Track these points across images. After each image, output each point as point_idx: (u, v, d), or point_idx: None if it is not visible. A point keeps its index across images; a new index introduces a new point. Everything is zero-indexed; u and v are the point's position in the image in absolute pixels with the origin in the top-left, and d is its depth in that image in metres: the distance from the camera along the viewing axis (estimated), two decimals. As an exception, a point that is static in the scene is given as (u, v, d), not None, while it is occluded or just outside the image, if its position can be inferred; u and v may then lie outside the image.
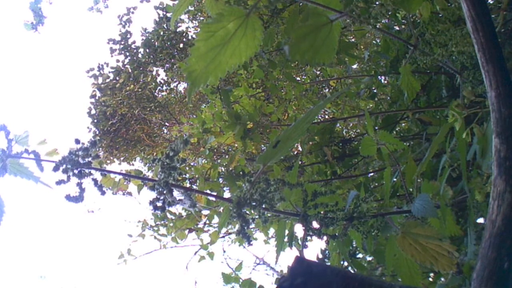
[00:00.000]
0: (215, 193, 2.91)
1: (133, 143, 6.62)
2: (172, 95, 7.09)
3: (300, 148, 3.57)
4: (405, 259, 1.28)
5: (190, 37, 6.49)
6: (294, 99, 3.91)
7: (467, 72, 1.62)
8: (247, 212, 1.09)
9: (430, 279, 2.20)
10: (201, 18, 5.80)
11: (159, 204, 1.10)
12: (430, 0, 1.69)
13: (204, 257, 3.93)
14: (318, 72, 4.97)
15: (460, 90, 1.69)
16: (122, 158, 6.70)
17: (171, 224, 3.62)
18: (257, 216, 1.11)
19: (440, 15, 1.71)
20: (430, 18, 1.62)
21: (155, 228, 3.83)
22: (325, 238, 1.18)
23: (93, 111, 6.55)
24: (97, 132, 6.43)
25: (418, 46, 1.57)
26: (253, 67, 3.28)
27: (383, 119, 2.88)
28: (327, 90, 4.96)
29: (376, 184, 2.78)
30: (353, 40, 4.20)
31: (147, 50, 6.56)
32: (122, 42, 6.69)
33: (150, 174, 4.47)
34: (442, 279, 1.96)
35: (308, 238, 1.25)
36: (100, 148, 6.30)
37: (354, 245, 2.33)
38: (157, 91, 6.96)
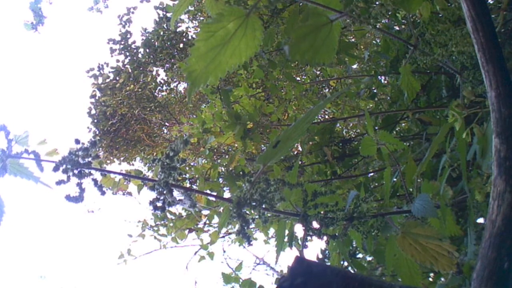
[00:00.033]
0: (215, 193, 2.91)
1: (133, 143, 6.62)
2: (172, 95, 7.09)
3: (300, 148, 3.57)
4: (405, 259, 1.28)
5: (190, 37, 6.49)
6: (294, 99, 3.91)
7: (467, 72, 1.62)
8: (247, 212, 1.09)
9: (430, 279, 2.20)
10: (201, 18, 5.81)
11: (159, 204, 1.10)
12: (430, 0, 1.69)
13: (204, 257, 3.93)
14: (318, 72, 4.98)
15: (460, 90, 1.69)
16: (122, 158, 6.70)
17: (171, 224, 3.62)
18: (257, 216, 1.11)
19: (440, 15, 1.71)
20: (430, 18, 1.62)
21: (155, 228, 3.83)
22: (325, 238, 1.18)
23: (93, 111, 6.55)
24: (97, 132, 6.43)
25: (418, 46, 1.57)
26: (253, 67, 3.28)
27: (383, 119, 2.88)
28: (327, 90, 4.96)
29: (376, 184, 2.78)
30: (353, 40, 4.20)
31: (147, 50, 6.56)
32: (122, 42, 6.69)
33: (150, 174, 4.47)
34: (442, 279, 1.96)
35: (308, 238, 1.25)
36: (100, 148, 6.30)
37: (354, 245, 2.33)
38: (157, 91, 6.96)
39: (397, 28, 2.88)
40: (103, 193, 1.13)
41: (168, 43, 6.41)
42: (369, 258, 2.65)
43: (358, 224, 1.24)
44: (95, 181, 1.11)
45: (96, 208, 5.90)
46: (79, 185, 1.11)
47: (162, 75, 7.02)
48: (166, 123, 6.98)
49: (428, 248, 1.18)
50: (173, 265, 18.59)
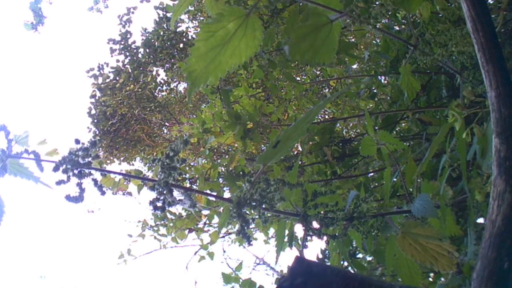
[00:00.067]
0: (215, 193, 2.91)
1: (133, 143, 6.62)
2: (172, 95, 7.09)
3: (300, 148, 3.57)
4: (405, 259, 1.28)
5: (190, 37, 6.49)
6: (294, 99, 3.91)
7: (467, 72, 1.62)
8: (247, 212, 1.09)
9: (430, 279, 2.20)
10: (201, 18, 5.81)
11: (159, 204, 1.10)
12: (430, 0, 1.69)
13: (204, 257, 3.93)
14: (318, 72, 4.98)
15: (460, 90, 1.69)
16: (122, 158, 6.70)
17: (171, 224, 3.62)
18: (257, 216, 1.11)
19: (440, 15, 1.71)
20: (430, 18, 1.62)
21: (155, 228, 3.83)
22: (325, 238, 1.18)
23: (93, 111, 6.55)
24: (97, 132, 6.43)
25: (418, 46, 1.57)
26: (253, 67, 3.28)
27: (383, 119, 2.88)
28: (327, 90, 4.96)
29: (376, 184, 2.78)
30: (353, 40, 4.20)
31: (147, 50, 6.56)
32: (122, 42, 6.69)
33: (150, 174, 4.47)
34: (442, 279, 1.96)
35: (308, 238, 1.25)
36: (100, 148, 6.30)
37: (354, 245, 2.33)
38: (157, 91, 6.96)
39: (397, 28, 2.88)
40: (103, 193, 1.13)
41: (168, 43, 6.41)
42: (369, 258, 2.65)
43: (358, 224, 1.24)
44: (95, 181, 1.11)
45: (96, 208, 5.91)
46: (79, 185, 1.11)
47: (162, 75, 7.03)
48: (166, 123, 6.98)
49: (428, 248, 1.18)
50: (173, 265, 18.60)
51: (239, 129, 2.85)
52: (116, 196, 4.17)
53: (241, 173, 2.95)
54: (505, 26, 2.07)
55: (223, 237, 4.42)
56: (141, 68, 6.63)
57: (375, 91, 3.14)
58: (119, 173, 1.32)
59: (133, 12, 6.82)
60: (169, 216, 3.62)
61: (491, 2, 2.40)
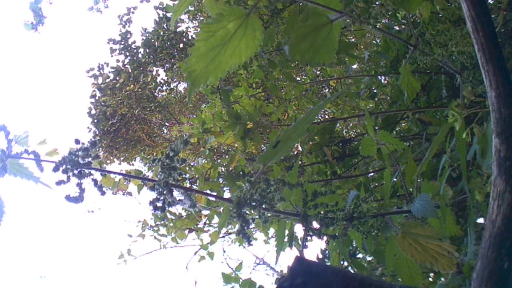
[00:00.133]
0: (215, 193, 2.91)
1: (133, 143, 6.62)
2: (172, 95, 7.09)
3: (300, 148, 3.57)
4: (405, 259, 1.28)
5: (190, 37, 6.49)
6: (294, 99, 3.91)
7: (467, 72, 1.62)
8: (247, 212, 1.09)
9: (430, 279, 2.20)
10: (201, 18, 5.81)
11: (159, 204, 1.10)
12: (430, 0, 1.69)
13: (204, 257, 3.93)
14: (318, 72, 4.98)
15: (460, 90, 1.69)
16: (122, 158, 6.70)
17: (171, 224, 3.62)
18: (257, 216, 1.11)
19: (440, 15, 1.71)
20: (430, 18, 1.62)
21: (155, 228, 3.83)
22: (325, 238, 1.18)
23: (93, 111, 6.55)
24: (97, 132, 6.43)
25: (418, 46, 1.57)
26: (253, 67, 3.28)
27: (383, 119, 2.88)
28: (327, 90, 4.96)
29: (376, 184, 2.78)
30: (353, 40, 4.20)
31: (147, 50, 6.56)
32: (122, 42, 6.69)
33: (150, 174, 4.46)
34: (442, 279, 1.96)
35: (308, 238, 1.25)
36: (100, 148, 6.30)
37: (354, 245, 2.33)
38: (157, 91, 6.96)
39: (397, 28, 2.88)
40: (103, 193, 1.13)
41: (168, 43, 6.41)
42: (369, 258, 2.65)
43: (358, 224, 1.24)
44: (95, 181, 1.11)
45: (96, 208, 5.90)
46: (79, 185, 1.11)
47: (162, 75, 7.03)
48: (166, 123, 6.98)
49: (428, 248, 1.18)
50: (173, 265, 18.60)
51: (239, 129, 2.85)
52: (116, 196, 4.17)
53: (241, 173, 2.95)
54: (505, 26, 2.07)
55: (223, 237, 4.42)
56: (141, 68, 6.63)
57: (375, 91, 3.14)
58: (119, 173, 1.32)
59: (133, 12, 6.82)
60: (169, 216, 3.62)
61: (491, 2, 2.40)
